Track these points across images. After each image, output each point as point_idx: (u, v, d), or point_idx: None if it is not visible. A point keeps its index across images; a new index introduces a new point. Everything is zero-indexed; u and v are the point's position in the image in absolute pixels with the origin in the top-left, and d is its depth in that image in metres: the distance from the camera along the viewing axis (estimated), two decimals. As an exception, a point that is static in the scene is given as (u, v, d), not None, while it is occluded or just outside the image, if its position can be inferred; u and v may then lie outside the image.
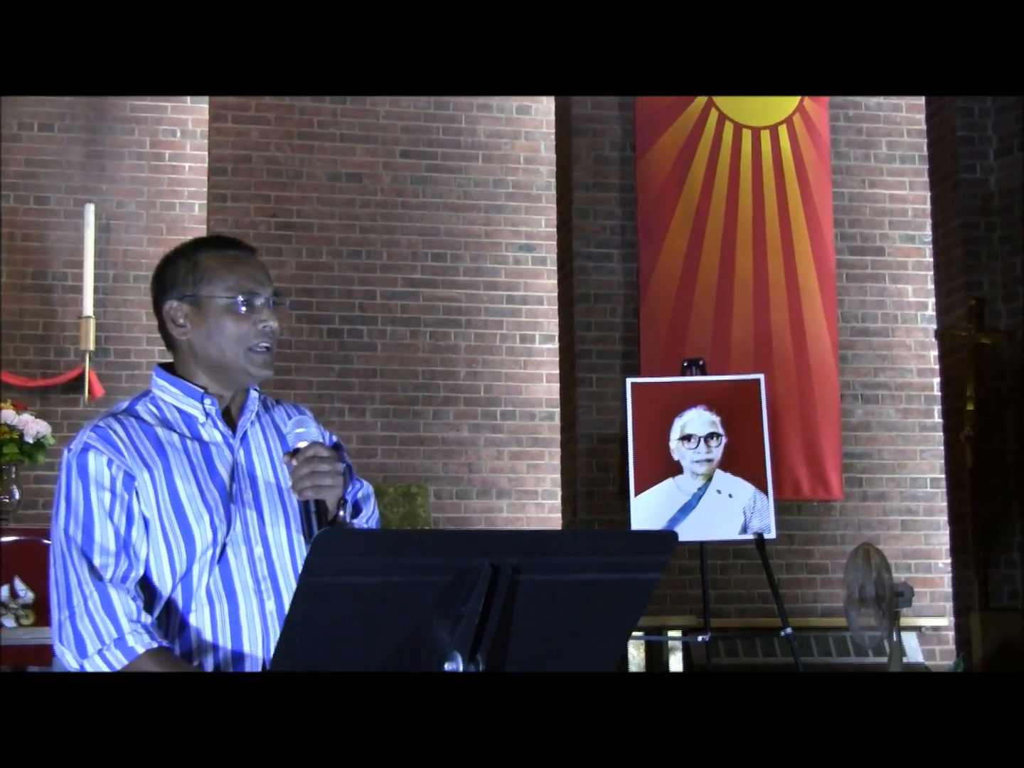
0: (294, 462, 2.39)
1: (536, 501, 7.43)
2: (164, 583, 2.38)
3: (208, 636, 2.38)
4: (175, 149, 7.56)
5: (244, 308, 2.46)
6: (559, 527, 7.33)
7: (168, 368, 2.54)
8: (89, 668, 2.29)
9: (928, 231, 7.53)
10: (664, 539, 2.17)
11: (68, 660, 2.31)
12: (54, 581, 2.35)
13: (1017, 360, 6.88)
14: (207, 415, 2.48)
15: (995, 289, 7.00)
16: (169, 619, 2.39)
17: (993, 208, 7.07)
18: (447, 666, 1.97)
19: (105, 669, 2.28)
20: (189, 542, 2.38)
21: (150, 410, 2.48)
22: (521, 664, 2.06)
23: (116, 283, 7.41)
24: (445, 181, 7.59)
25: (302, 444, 2.40)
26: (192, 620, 2.38)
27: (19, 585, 5.47)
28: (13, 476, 6.25)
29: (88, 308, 7.16)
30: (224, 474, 2.44)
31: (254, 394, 2.56)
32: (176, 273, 2.50)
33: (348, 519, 2.49)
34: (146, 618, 2.32)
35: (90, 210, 7.23)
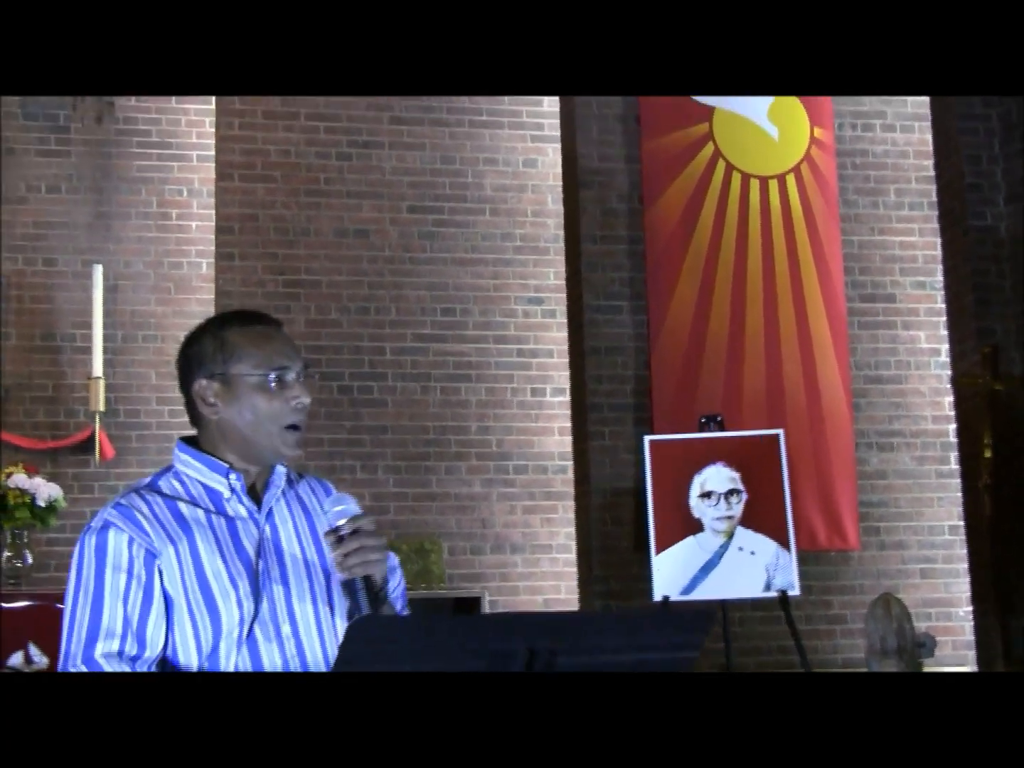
0: (331, 540, 2.36)
1: (550, 555, 7.38)
2: (190, 662, 2.35)
3: None
4: (181, 208, 7.55)
5: (275, 385, 2.44)
6: (575, 581, 7.28)
7: (191, 442, 2.52)
8: None
9: (939, 277, 7.52)
10: (701, 618, 2.15)
11: None
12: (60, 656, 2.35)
13: (1032, 406, 6.85)
14: (232, 491, 2.46)
15: (1008, 335, 6.98)
16: None
17: (1004, 255, 7.06)
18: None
19: None
20: (215, 619, 2.35)
21: (173, 486, 2.46)
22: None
23: (125, 343, 7.39)
24: (452, 236, 7.58)
25: (342, 521, 2.37)
26: None
27: (33, 650, 5.43)
28: (25, 540, 6.24)
29: (97, 369, 7.13)
30: (250, 550, 2.41)
31: (280, 469, 2.53)
32: (204, 351, 2.49)
33: (389, 592, 2.47)
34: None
35: (98, 271, 7.21)
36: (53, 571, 6.97)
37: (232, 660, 2.35)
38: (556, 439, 7.47)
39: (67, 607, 2.36)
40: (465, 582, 7.18)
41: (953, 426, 7.39)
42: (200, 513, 2.42)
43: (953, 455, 7.38)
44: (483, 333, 7.52)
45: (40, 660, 5.48)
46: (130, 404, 7.35)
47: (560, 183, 7.64)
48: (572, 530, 7.35)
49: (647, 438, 5.73)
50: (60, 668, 2.33)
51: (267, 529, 2.46)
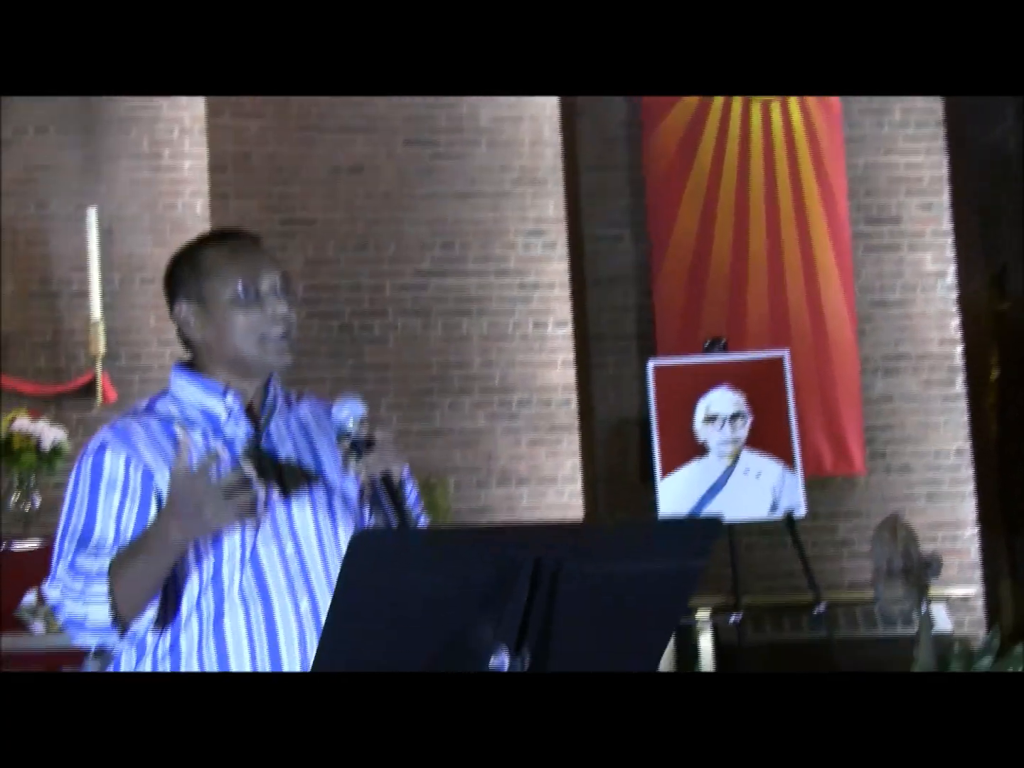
0: (344, 443, 2.32)
1: (556, 487, 7.37)
2: (192, 585, 2.34)
3: (244, 639, 2.32)
4: (174, 148, 7.45)
5: (249, 297, 2.40)
6: (581, 513, 7.28)
7: (188, 366, 2.48)
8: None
9: (945, 198, 7.45)
10: (708, 526, 2.14)
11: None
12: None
13: (1040, 325, 6.83)
14: (229, 412, 2.42)
15: (1015, 255, 6.94)
16: (200, 623, 2.33)
17: (1012, 173, 6.99)
18: (493, 661, 1.92)
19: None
20: (216, 542, 2.33)
21: (169, 409, 2.42)
22: (567, 657, 2.01)
23: (123, 286, 7.33)
24: (449, 169, 7.51)
25: (351, 424, 2.31)
26: (226, 623, 2.33)
27: (45, 591, 5.45)
28: (32, 484, 6.24)
29: (96, 313, 7.08)
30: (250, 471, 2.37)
31: (277, 389, 2.50)
32: (180, 274, 2.46)
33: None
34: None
35: (92, 214, 7.14)
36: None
37: (237, 582, 2.33)
38: (559, 371, 7.43)
39: (60, 523, 2.36)
40: (472, 516, 7.17)
41: (959, 349, 7.35)
42: (197, 436, 2.38)
43: (959, 378, 7.35)
44: (483, 267, 7.46)
45: (52, 600, 5.49)
46: (131, 347, 7.30)
47: (557, 112, 7.55)
48: (577, 461, 7.34)
49: (651, 363, 5.71)
50: (50, 577, 2.32)
51: (265, 450, 2.42)
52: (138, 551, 2.26)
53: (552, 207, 7.53)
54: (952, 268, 7.39)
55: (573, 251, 7.35)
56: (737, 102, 7.21)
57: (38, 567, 5.57)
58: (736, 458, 5.61)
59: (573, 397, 7.37)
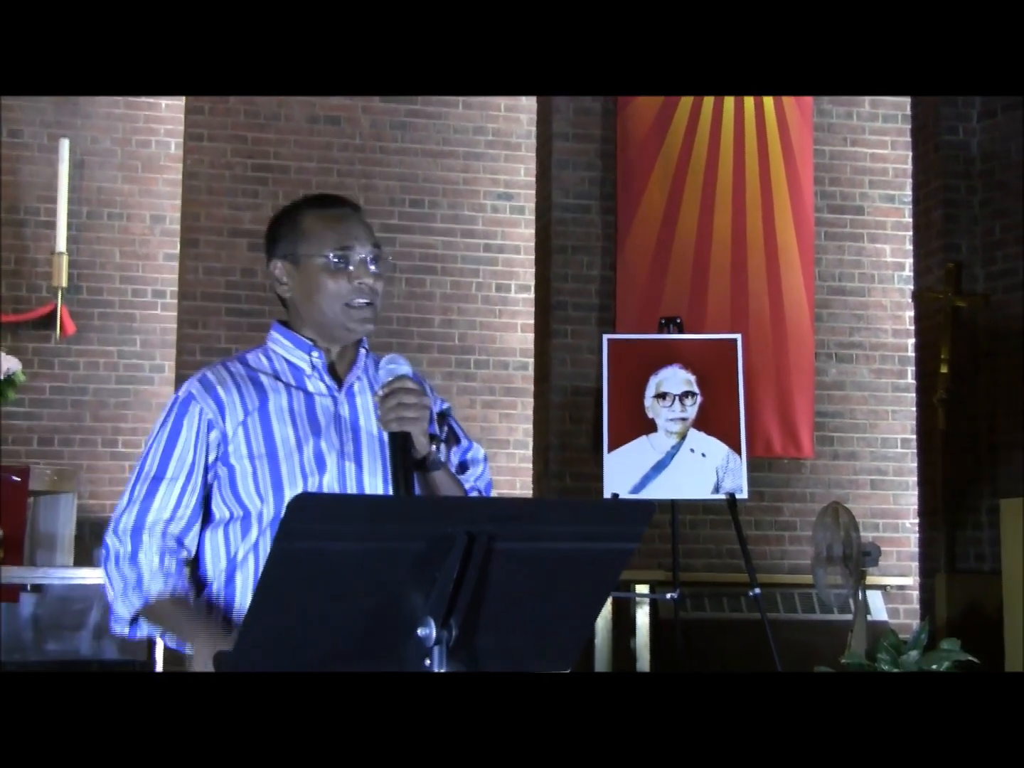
0: (376, 399, 2.44)
1: (508, 451, 7.42)
2: (251, 529, 2.45)
3: None
4: (151, 86, 7.44)
5: (339, 265, 2.51)
6: (530, 478, 7.34)
7: (284, 323, 2.62)
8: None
9: (908, 192, 7.52)
10: (641, 509, 2.16)
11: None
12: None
13: (992, 324, 6.91)
14: (313, 367, 2.54)
15: (973, 252, 7.02)
16: (256, 563, 2.43)
17: (974, 171, 7.07)
18: (420, 632, 1.97)
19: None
20: (277, 484, 2.43)
21: (260, 360, 2.57)
22: (494, 631, 2.06)
23: (90, 220, 7.33)
24: (424, 127, 7.52)
25: (388, 379, 2.42)
26: None
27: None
28: (-17, 412, 6.24)
29: (61, 244, 7.08)
30: (323, 424, 2.49)
31: (364, 351, 2.61)
32: (279, 232, 2.59)
33: (443, 458, 2.52)
34: (172, 565, 2.45)
35: (64, 145, 7.13)
36: (10, 444, 6.96)
37: None
38: (519, 336, 7.48)
39: (137, 465, 2.50)
40: (422, 474, 7.20)
41: (912, 340, 7.44)
42: (280, 386, 2.51)
43: (910, 369, 7.44)
44: (451, 226, 7.49)
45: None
46: (93, 281, 7.31)
47: (535, 78, 7.56)
48: (530, 427, 7.39)
49: (606, 337, 5.75)
50: (115, 517, 2.47)
51: (345, 407, 2.52)
52: (169, 626, 2.41)
53: (523, 172, 7.57)
54: (910, 261, 7.48)
55: (540, 217, 7.38)
56: (712, 82, 7.25)
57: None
58: (683, 437, 5.66)
59: (530, 362, 7.42)
